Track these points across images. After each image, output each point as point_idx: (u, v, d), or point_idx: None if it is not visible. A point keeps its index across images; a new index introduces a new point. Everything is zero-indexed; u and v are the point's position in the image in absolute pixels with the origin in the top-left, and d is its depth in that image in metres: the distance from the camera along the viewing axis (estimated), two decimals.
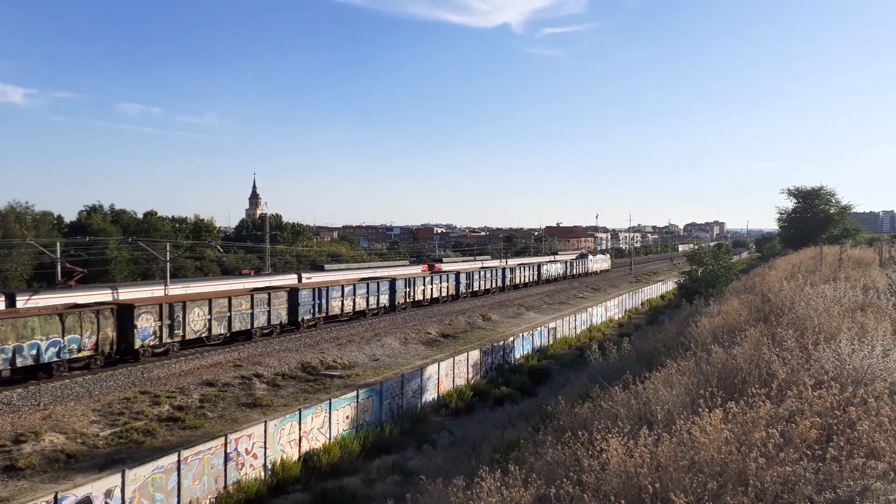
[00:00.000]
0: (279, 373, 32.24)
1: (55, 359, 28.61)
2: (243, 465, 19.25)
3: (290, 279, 55.20)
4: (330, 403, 23.32)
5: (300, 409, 22.23)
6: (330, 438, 22.85)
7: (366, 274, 61.12)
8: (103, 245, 57.15)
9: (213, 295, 38.02)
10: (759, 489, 6.87)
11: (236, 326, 38.00)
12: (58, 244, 47.05)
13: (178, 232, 77.90)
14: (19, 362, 27.20)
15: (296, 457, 21.20)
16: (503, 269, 75.72)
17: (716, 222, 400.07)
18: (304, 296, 43.43)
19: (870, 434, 7.42)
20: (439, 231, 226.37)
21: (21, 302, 36.48)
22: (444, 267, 74.19)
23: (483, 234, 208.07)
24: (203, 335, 35.97)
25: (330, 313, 45.89)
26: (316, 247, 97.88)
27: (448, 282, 63.53)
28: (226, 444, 18.68)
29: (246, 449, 19.43)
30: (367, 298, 50.39)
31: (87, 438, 22.24)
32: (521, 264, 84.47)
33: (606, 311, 59.34)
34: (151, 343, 33.01)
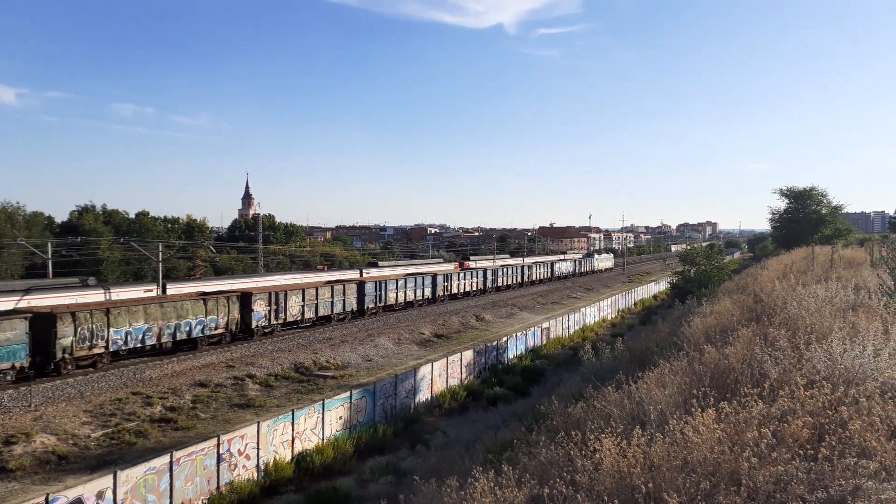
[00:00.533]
0: (272, 373, 32.16)
1: (199, 335, 35.71)
2: (236, 466, 19.19)
3: (353, 274, 62.68)
4: (323, 404, 23.27)
5: (293, 410, 22.18)
6: (323, 439, 22.80)
7: (409, 270, 67.48)
8: (95, 245, 56.91)
9: (305, 286, 45.62)
10: (752, 489, 6.88)
11: (321, 312, 45.11)
12: (49, 244, 46.83)
13: (170, 232, 77.58)
14: (178, 336, 34.45)
15: (289, 457, 21.14)
16: (522, 267, 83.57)
17: (708, 223, 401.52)
18: (369, 288, 51.22)
19: (861, 434, 7.45)
20: (433, 231, 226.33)
21: (171, 290, 44.08)
22: (472, 265, 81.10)
23: (477, 234, 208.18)
24: (297, 319, 43.05)
25: (387, 303, 53.28)
26: (309, 247, 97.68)
27: (477, 277, 70.98)
28: (218, 445, 18.62)
29: (239, 450, 19.36)
30: (415, 291, 57.93)
31: (78, 439, 22.12)
32: (537, 262, 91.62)
33: (599, 311, 59.46)
34: (262, 324, 40.00)
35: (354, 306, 49.02)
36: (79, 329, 29.60)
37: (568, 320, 50.35)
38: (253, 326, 39.14)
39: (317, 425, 22.77)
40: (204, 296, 36.90)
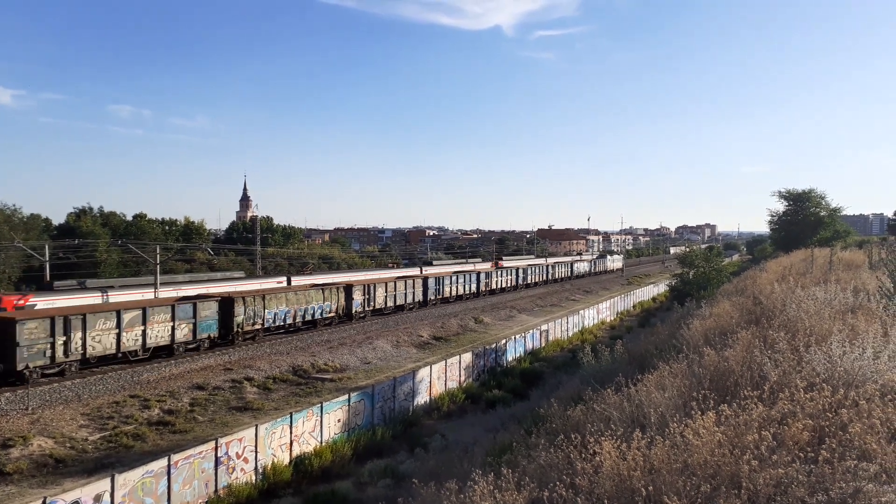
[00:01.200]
0: (270, 376, 32.10)
1: (319, 317, 44.59)
2: (234, 469, 19.13)
3: (414, 271, 72.86)
4: (321, 407, 23.22)
5: (291, 413, 22.12)
6: (321, 442, 22.74)
7: (456, 269, 75.97)
8: (92, 248, 56.81)
9: (387, 280, 54.62)
10: (752, 491, 6.86)
11: (398, 302, 54.03)
12: (46, 247, 46.76)
13: (167, 234, 77.51)
14: (306, 318, 43.47)
15: (287, 461, 21.09)
16: (546, 266, 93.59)
17: (707, 225, 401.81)
18: (431, 283, 60.28)
19: (861, 436, 7.43)
20: (431, 233, 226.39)
21: (295, 282, 55.09)
22: (505, 264, 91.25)
23: (475, 236, 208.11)
24: (382, 307, 51.72)
25: (444, 296, 62.09)
26: (307, 249, 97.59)
27: (511, 275, 79.60)
28: (216, 448, 18.56)
29: (237, 453, 19.31)
30: (464, 286, 66.73)
31: (76, 443, 22.05)
32: (558, 262, 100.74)
33: (598, 313, 59.44)
34: (359, 310, 48.80)
35: (421, 298, 58.16)
36: (247, 309, 38.49)
37: (567, 322, 50.33)
38: (353, 312, 48.06)
39: (315, 428, 22.71)
40: (322, 286, 46.00)
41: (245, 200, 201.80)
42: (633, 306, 71.40)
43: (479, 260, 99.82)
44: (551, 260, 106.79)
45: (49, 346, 28.05)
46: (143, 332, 32.03)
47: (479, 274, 70.49)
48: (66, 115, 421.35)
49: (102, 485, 15.38)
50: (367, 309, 49.66)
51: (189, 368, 32.25)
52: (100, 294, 41.87)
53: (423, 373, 29.82)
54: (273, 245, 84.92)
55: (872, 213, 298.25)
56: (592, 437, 9.05)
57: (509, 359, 38.88)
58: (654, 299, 78.55)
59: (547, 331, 46.14)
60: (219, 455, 18.60)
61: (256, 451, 19.93)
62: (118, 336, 30.88)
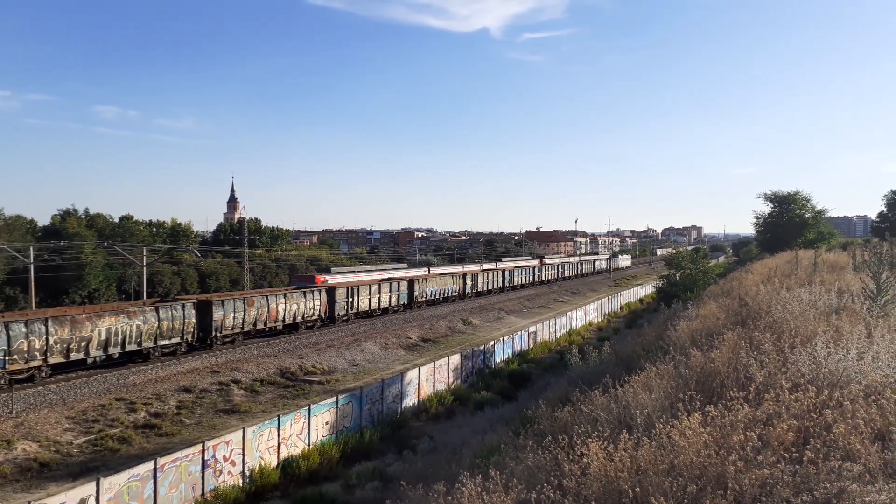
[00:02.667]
0: (257, 378, 31.95)
1: (450, 295, 66.24)
2: (221, 472, 19.03)
3: (476, 267, 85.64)
4: (309, 409, 23.15)
5: (279, 416, 22.04)
6: (309, 444, 22.67)
7: (514, 265, 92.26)
8: (78, 250, 56.26)
9: (476, 272, 75.49)
10: (738, 492, 6.91)
11: (453, 293, 68.10)
12: (31, 249, 46.26)
13: (154, 236, 76.94)
14: (445, 295, 65.27)
15: (274, 463, 21.01)
16: (578, 263, 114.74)
17: (693, 227, 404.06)
18: (506, 274, 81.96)
19: (846, 436, 7.50)
20: (420, 235, 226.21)
21: (433, 271, 75.26)
22: (548, 261, 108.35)
23: (464, 238, 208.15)
24: (445, 296, 66.32)
25: (511, 286, 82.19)
26: (295, 251, 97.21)
27: (553, 270, 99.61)
28: (203, 451, 18.46)
29: (224, 456, 19.21)
30: (524, 277, 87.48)
31: (60, 446, 21.84)
32: (582, 260, 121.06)
33: (586, 314, 59.65)
34: (469, 291, 71.27)
35: (493, 287, 77.06)
36: (421, 287, 61.07)
37: (555, 324, 50.46)
38: (465, 293, 69.37)
39: (303, 431, 22.63)
40: (451, 274, 70.30)
41: (233, 202, 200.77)
42: (621, 307, 71.71)
43: (530, 258, 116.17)
44: (574, 259, 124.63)
45: (345, 304, 49.39)
46: (379, 298, 53.88)
47: (533, 268, 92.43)
48: (52, 115, 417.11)
49: (87, 489, 15.26)
50: (470, 292, 70.80)
51: (175, 371, 32.04)
52: (350, 275, 61.99)
53: (412, 375, 29.79)
54: (261, 247, 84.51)
55: (856, 216, 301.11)
56: (580, 438, 9.08)
57: (497, 360, 38.92)
58: (640, 301, 78.92)
59: (535, 332, 46.24)
60: (206, 458, 18.49)
61: (244, 454, 19.83)
62: (369, 300, 52.56)
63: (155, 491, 16.83)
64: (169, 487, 17.26)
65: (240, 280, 71.33)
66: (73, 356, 29.39)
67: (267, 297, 42.03)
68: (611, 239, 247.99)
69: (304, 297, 44.99)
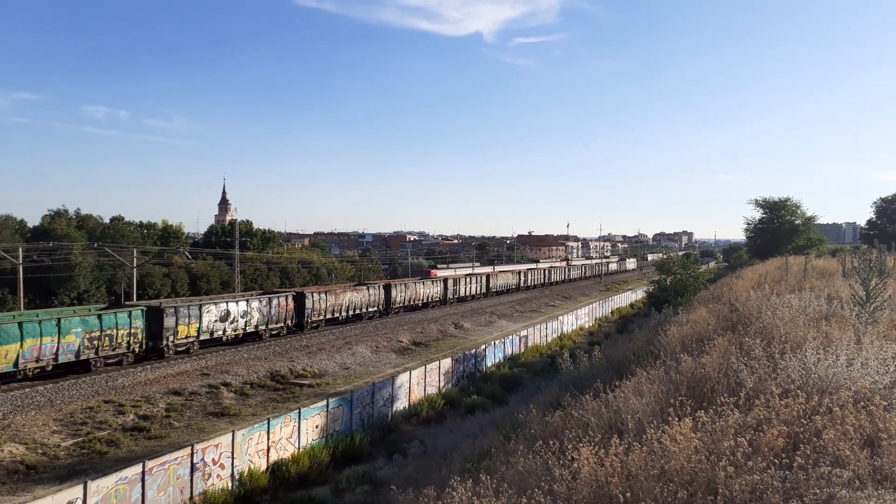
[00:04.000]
0: (247, 381, 31.82)
1: (509, 288, 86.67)
2: (210, 475, 18.92)
3: (525, 267, 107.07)
4: (299, 412, 23.06)
5: (269, 419, 21.95)
6: (299, 448, 22.57)
7: (549, 265, 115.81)
8: (67, 251, 55.88)
9: (526, 270, 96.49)
10: (728, 497, 6.91)
11: (512, 286, 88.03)
12: (20, 249, 45.92)
13: (145, 238, 76.55)
14: (505, 288, 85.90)
15: (264, 467, 20.90)
16: (598, 264, 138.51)
17: (684, 232, 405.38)
18: (546, 272, 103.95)
19: (835, 442, 7.52)
20: (412, 238, 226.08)
21: (497, 269, 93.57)
22: (573, 263, 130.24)
23: (456, 241, 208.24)
24: (507, 288, 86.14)
25: (549, 283, 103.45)
26: (287, 254, 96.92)
27: (578, 271, 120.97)
28: (192, 454, 18.35)
29: (213, 459, 19.09)
30: (557, 275, 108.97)
31: (47, 449, 21.67)
32: (600, 263, 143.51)
33: (577, 319, 59.74)
34: (522, 286, 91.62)
35: (540, 282, 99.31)
36: (493, 280, 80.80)
37: (546, 328, 50.50)
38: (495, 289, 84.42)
39: (293, 434, 22.54)
40: (511, 272, 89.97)
41: (224, 204, 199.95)
42: (612, 312, 71.87)
43: (558, 261, 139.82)
44: (589, 262, 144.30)
45: (453, 290, 70.52)
46: (471, 287, 74.49)
47: (562, 269, 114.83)
48: (41, 115, 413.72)
49: (75, 492, 15.13)
50: (522, 286, 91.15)
51: (165, 373, 31.87)
52: (449, 271, 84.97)
53: (403, 378, 29.73)
54: (252, 249, 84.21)
55: (846, 222, 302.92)
56: (571, 443, 9.07)
57: (489, 364, 38.90)
58: (631, 305, 79.15)
59: (526, 336, 46.27)
60: (195, 461, 18.38)
61: (233, 458, 19.72)
62: (469, 288, 73.92)
63: (143, 494, 16.71)
64: (157, 491, 17.14)
65: (230, 282, 71.04)
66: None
67: (406, 283, 62.55)
68: (602, 244, 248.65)
69: (431, 283, 68.01)
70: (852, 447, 7.44)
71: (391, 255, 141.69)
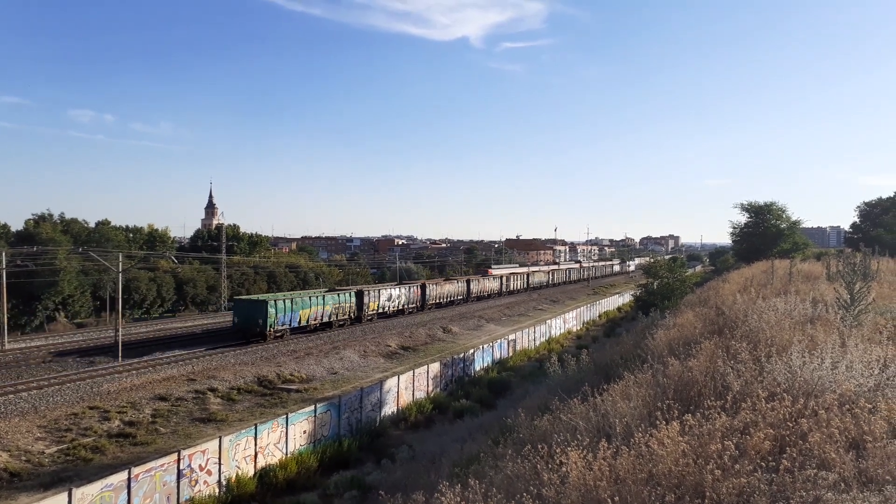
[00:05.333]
0: (234, 387, 31.64)
1: (538, 286, 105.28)
2: (197, 481, 18.79)
3: (552, 267, 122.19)
4: (287, 418, 22.95)
5: (256, 424, 21.83)
6: (287, 454, 22.46)
7: (566, 267, 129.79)
8: (52, 255, 55.35)
9: (543, 271, 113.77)
10: (716, 500, 6.95)
11: (544, 283, 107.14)
12: (3, 254, 45.44)
13: (131, 242, 75.94)
14: (541, 286, 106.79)
15: (251, 473, 20.78)
16: (603, 266, 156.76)
17: (671, 236, 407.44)
18: (567, 273, 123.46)
19: (821, 445, 7.58)
20: (400, 243, 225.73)
21: (531, 270, 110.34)
22: (584, 264, 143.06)
23: (444, 245, 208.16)
24: (542, 285, 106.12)
25: (569, 280, 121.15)
26: (274, 258, 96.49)
27: (588, 271, 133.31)
28: (179, 461, 18.22)
29: (200, 465, 18.96)
30: (573, 275, 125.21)
31: (31, 456, 21.43)
32: (605, 264, 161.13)
33: (565, 323, 59.88)
34: (541, 286, 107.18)
35: (562, 280, 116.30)
36: (532, 279, 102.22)
37: (534, 332, 50.58)
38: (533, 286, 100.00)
39: (280, 440, 22.43)
40: (543, 272, 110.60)
41: (211, 208, 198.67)
42: (599, 316, 72.11)
43: (573, 261, 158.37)
44: (598, 264, 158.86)
45: (507, 285, 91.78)
46: (517, 283, 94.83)
47: (590, 267, 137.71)
48: (26, 119, 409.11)
49: (59, 499, 14.98)
50: (551, 283, 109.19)
51: (151, 379, 31.63)
52: (502, 269, 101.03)
53: (391, 383, 29.67)
54: (239, 253, 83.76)
55: (830, 226, 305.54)
56: (559, 446, 9.08)
57: (477, 368, 38.90)
58: (619, 309, 79.44)
59: (514, 340, 46.31)
60: (181, 467, 18.25)
61: (220, 464, 19.60)
62: (516, 284, 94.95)
63: (129, 501, 16.57)
64: (143, 498, 17.00)
65: (217, 287, 70.62)
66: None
67: (477, 279, 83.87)
68: (590, 248, 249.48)
69: (491, 279, 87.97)
70: (838, 450, 7.51)
71: (379, 259, 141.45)
